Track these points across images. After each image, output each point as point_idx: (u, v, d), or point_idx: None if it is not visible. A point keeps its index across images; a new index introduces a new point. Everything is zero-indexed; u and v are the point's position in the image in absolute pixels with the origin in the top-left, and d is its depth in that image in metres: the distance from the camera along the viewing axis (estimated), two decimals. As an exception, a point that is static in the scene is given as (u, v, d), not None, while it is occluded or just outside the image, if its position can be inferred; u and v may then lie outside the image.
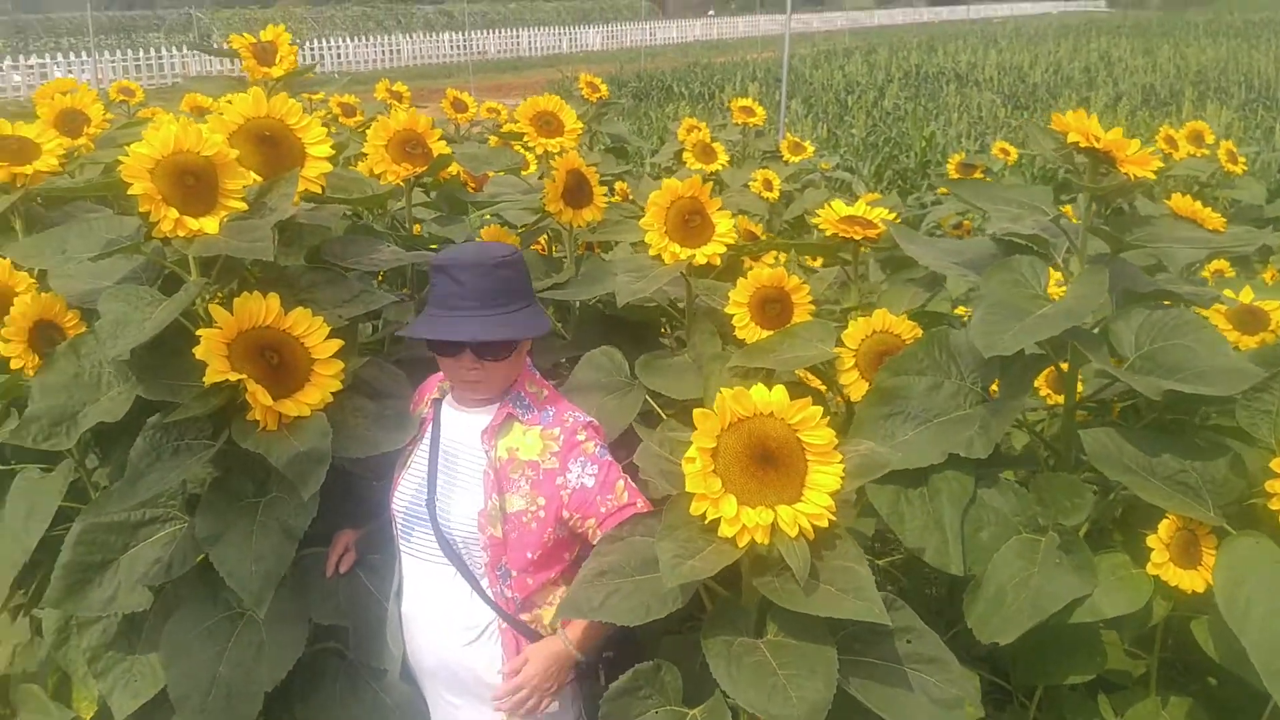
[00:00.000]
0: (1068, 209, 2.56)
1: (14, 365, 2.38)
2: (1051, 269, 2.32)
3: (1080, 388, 2.45)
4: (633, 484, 2.24)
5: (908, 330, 2.43)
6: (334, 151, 2.45)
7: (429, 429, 2.34)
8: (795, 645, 1.85)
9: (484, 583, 2.25)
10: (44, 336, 2.39)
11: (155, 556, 2.27)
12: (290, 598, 2.31)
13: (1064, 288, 2.29)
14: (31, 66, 24.36)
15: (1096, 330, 2.33)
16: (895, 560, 2.91)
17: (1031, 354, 2.29)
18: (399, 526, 2.34)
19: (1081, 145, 2.14)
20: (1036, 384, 2.76)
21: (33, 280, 2.51)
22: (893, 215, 2.69)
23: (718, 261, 2.57)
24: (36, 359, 2.37)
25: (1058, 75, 24.97)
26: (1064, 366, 2.35)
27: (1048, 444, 2.54)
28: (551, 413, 2.29)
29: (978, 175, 6.07)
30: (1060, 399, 2.58)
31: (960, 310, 3.14)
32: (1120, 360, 2.25)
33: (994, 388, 2.31)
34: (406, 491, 2.33)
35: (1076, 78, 24.48)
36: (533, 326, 2.24)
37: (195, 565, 2.28)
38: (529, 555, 2.23)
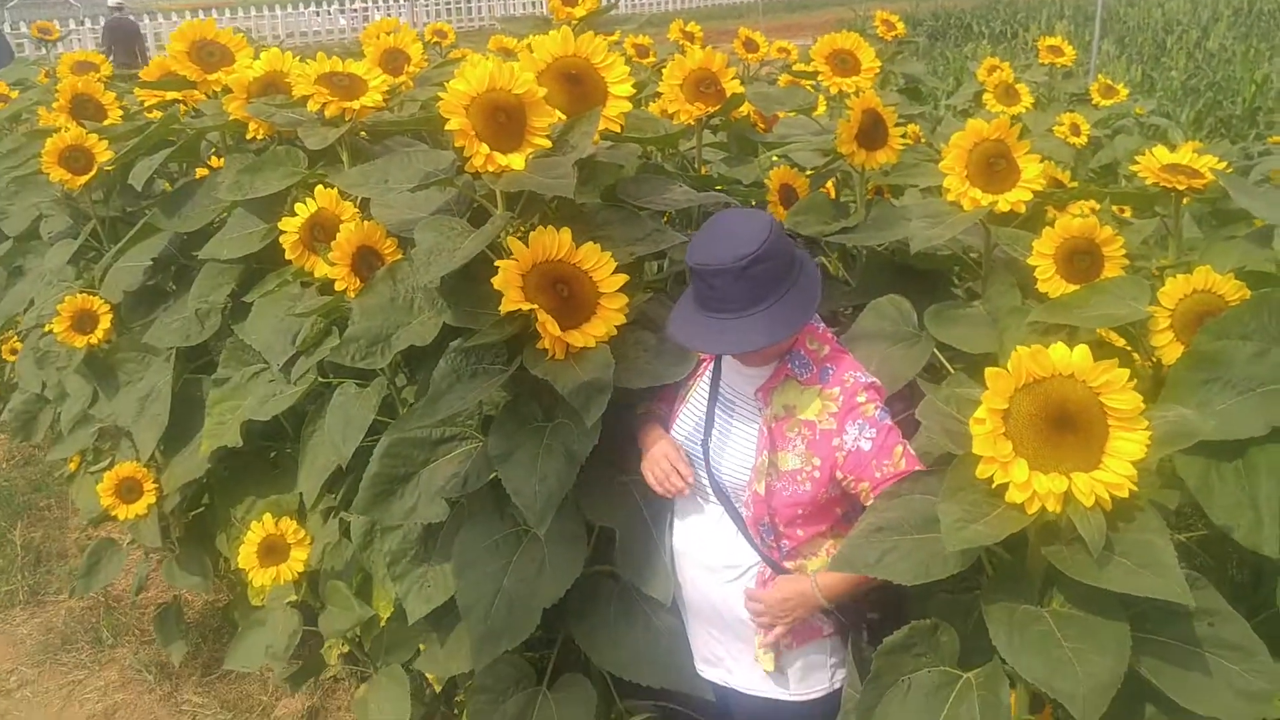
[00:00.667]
0: None
1: (338, 287, 2.58)
2: None
3: None
4: (910, 450, 2.16)
5: (1233, 291, 2.21)
6: (635, 91, 2.48)
7: (709, 369, 2.36)
8: (1083, 618, 1.77)
9: (749, 530, 2.26)
10: (364, 262, 2.57)
11: (452, 471, 2.42)
12: (571, 518, 2.41)
13: None
14: (355, 10, 26.25)
15: None
16: (1196, 536, 2.70)
17: (1378, 323, 2.04)
18: None
19: None
20: (1381, 357, 2.45)
21: (356, 209, 2.70)
22: (1223, 165, 2.44)
23: (1022, 209, 2.42)
24: (358, 282, 2.56)
25: None
26: None
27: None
28: (831, 372, 2.22)
29: (1320, 123, 5.47)
30: None
31: (1290, 272, 2.84)
32: None
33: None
34: (684, 427, 2.36)
35: None
36: (794, 321, 2.11)
37: (487, 483, 2.42)
38: (799, 512, 2.22)
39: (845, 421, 2.17)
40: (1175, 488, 2.17)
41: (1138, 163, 2.46)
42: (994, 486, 1.73)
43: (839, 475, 2.19)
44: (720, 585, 2.33)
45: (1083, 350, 1.69)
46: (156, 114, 3.68)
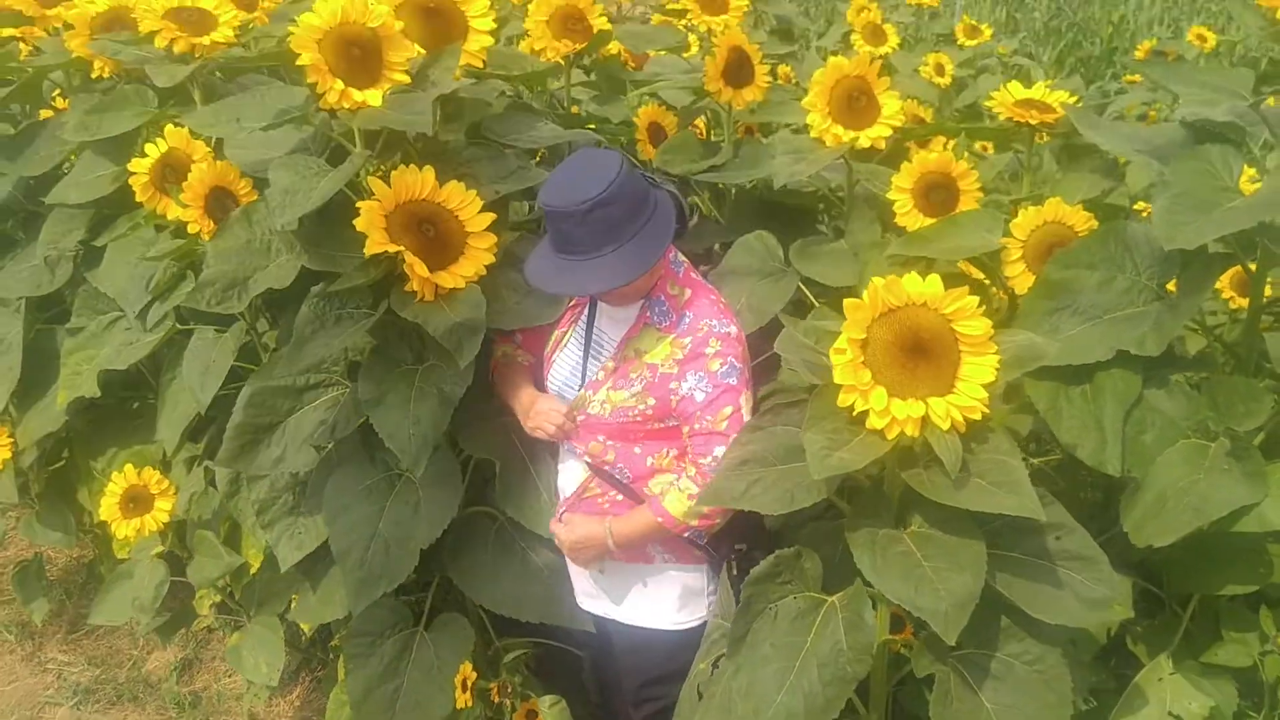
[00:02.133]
0: (1271, 101, 2.35)
1: (191, 229, 2.50)
2: (1247, 164, 2.16)
3: (1269, 291, 2.29)
4: (743, 414, 2.17)
5: (1082, 222, 2.30)
6: (496, 25, 2.43)
7: (583, 315, 2.36)
8: (941, 538, 1.83)
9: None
10: (219, 203, 2.49)
11: (320, 419, 2.38)
12: (445, 459, 2.40)
13: (1259, 183, 2.12)
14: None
15: (1292, 229, 2.16)
16: (1051, 461, 2.82)
17: (1215, 252, 2.15)
18: None
19: (1292, 22, 1.96)
20: (1219, 286, 2.59)
21: (209, 149, 2.61)
22: (1074, 99, 2.53)
23: (882, 145, 2.47)
24: (212, 225, 2.48)
25: (1270, -46, 22.86)
26: (1252, 267, 2.19)
27: (1227, 348, 2.40)
28: (689, 319, 2.22)
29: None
30: (1244, 302, 2.42)
31: (1140, 206, 2.96)
32: (1317, 260, 2.09)
33: (1171, 286, 2.18)
34: (559, 374, 2.37)
35: (1292, -43, 22.38)
36: (640, 263, 2.10)
37: (356, 429, 2.39)
38: (633, 437, 2.26)
39: (687, 369, 2.19)
40: (1028, 412, 2.26)
41: (993, 99, 2.53)
42: (855, 414, 1.77)
43: (671, 417, 2.23)
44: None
45: (934, 279, 1.74)
46: (-8, 52, 3.48)
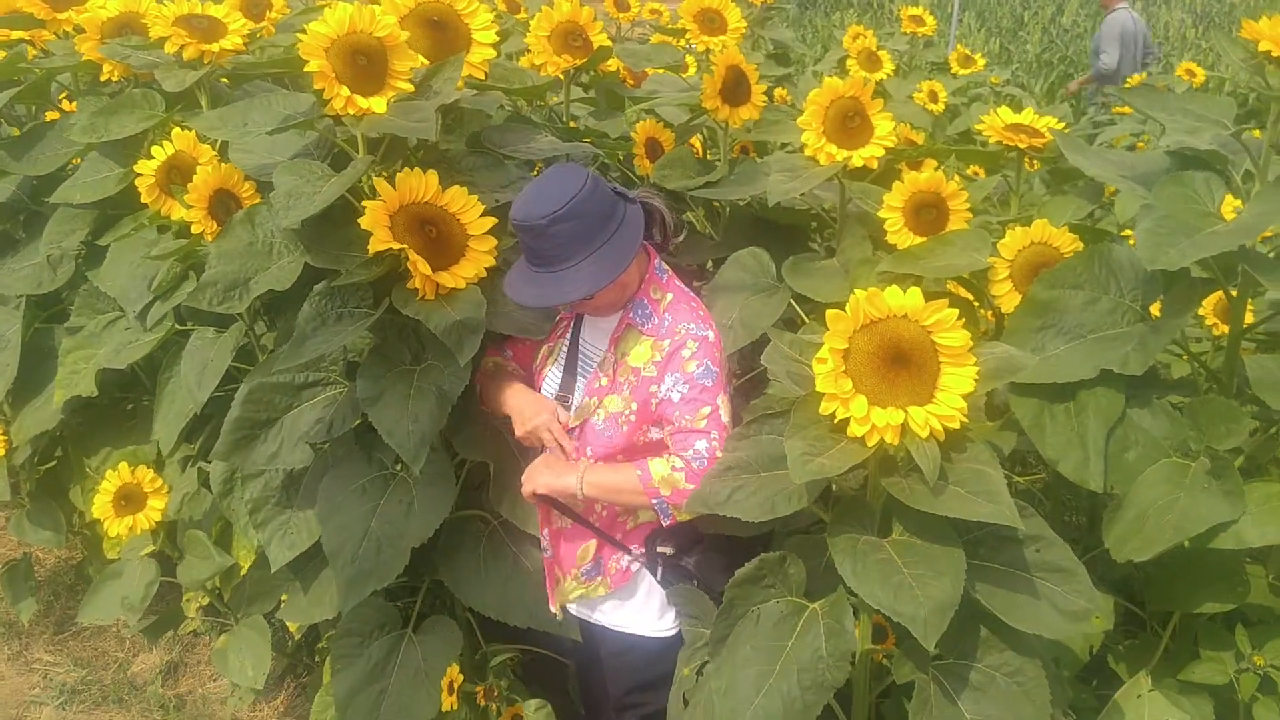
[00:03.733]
0: (1256, 133, 2.41)
1: (194, 230, 2.54)
2: (1230, 194, 2.21)
3: (1250, 318, 2.34)
4: (721, 417, 2.20)
5: (1068, 243, 2.35)
6: (499, 38, 2.49)
7: (570, 328, 2.41)
8: (921, 545, 1.86)
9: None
10: (222, 205, 2.53)
11: (317, 416, 2.41)
12: (440, 458, 2.43)
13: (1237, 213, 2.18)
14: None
15: (1273, 255, 2.21)
16: (1037, 482, 2.86)
17: (1198, 276, 2.20)
18: None
19: (1274, 55, 2.01)
20: (1201, 311, 2.64)
21: (214, 152, 2.65)
22: (1061, 125, 2.58)
23: (875, 165, 2.53)
24: (215, 226, 2.52)
25: (1260, -7, 23.10)
26: (1233, 292, 2.25)
27: (1209, 372, 2.45)
28: (669, 322, 2.27)
29: (1159, 96, 5.76)
30: (1226, 328, 2.47)
31: (1128, 234, 3.02)
32: (1296, 288, 2.14)
33: (1155, 309, 2.23)
34: (550, 386, 2.41)
35: (1282, -3, 22.63)
36: (600, 277, 2.13)
37: (351, 428, 2.42)
38: (617, 457, 2.29)
39: (665, 371, 2.23)
40: (1013, 429, 2.31)
41: (984, 122, 2.59)
42: (836, 422, 1.80)
43: (652, 420, 2.27)
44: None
45: (915, 292, 1.78)
46: (1, 54, 3.52)
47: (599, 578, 2.40)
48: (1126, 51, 8.08)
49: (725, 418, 2.21)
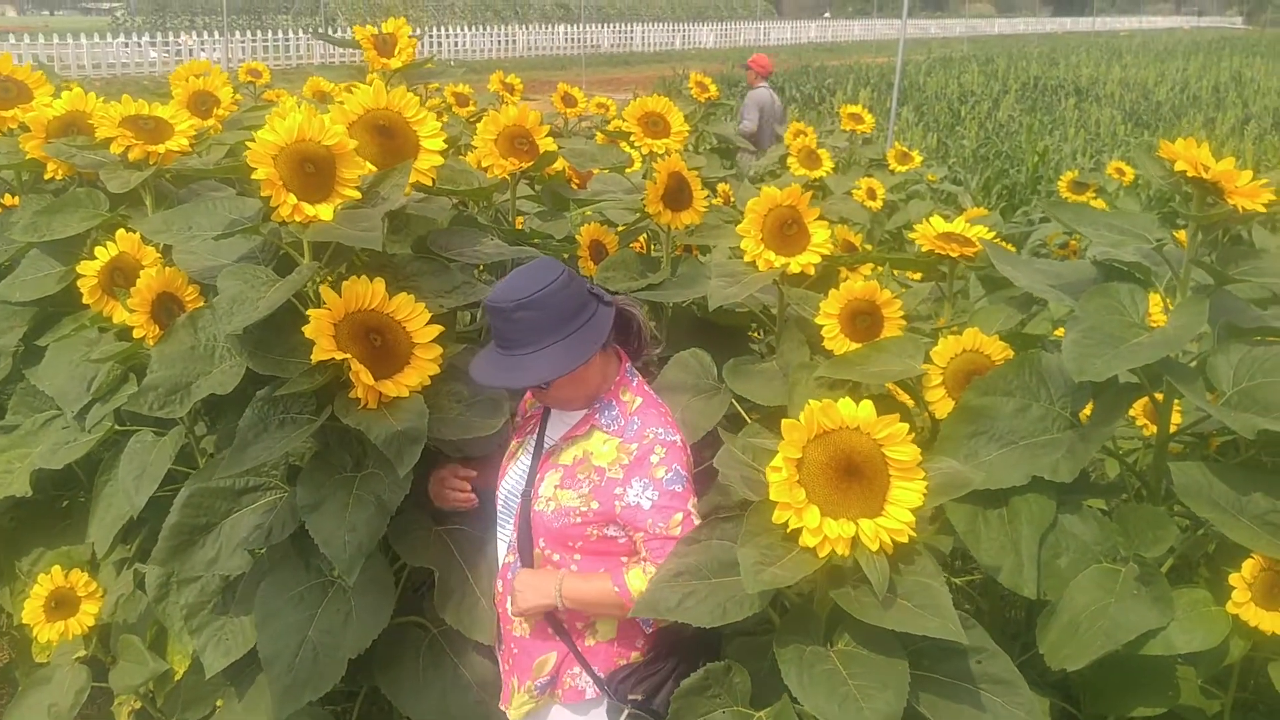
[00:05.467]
0: (1181, 234, 2.52)
1: (136, 334, 2.53)
2: (1153, 298, 2.30)
3: (1179, 419, 2.42)
4: (693, 518, 2.21)
5: (998, 351, 2.42)
6: (447, 145, 2.53)
7: (537, 425, 2.42)
8: (867, 656, 1.87)
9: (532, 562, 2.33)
10: (165, 309, 2.52)
11: (256, 522, 2.39)
12: (379, 566, 2.41)
13: (1165, 317, 2.26)
14: (168, 44, 25.38)
15: (1194, 364, 2.29)
16: (974, 580, 2.90)
17: (1125, 383, 2.27)
18: (499, 514, 2.42)
19: (1189, 174, 2.11)
20: (1132, 412, 2.72)
21: (158, 254, 2.65)
22: (991, 234, 2.67)
23: (811, 271, 2.59)
24: (157, 329, 2.51)
25: (1184, 94, 24.07)
26: (1159, 397, 2.32)
27: (1138, 475, 2.51)
28: (637, 426, 2.28)
29: (1090, 194, 5.96)
30: (1155, 429, 2.54)
31: (1059, 332, 3.10)
32: (1217, 395, 2.22)
33: (1084, 414, 2.29)
34: (510, 481, 2.40)
35: (1204, 97, 23.60)
36: (558, 367, 2.16)
37: (289, 535, 2.40)
38: (570, 544, 2.28)
39: (632, 476, 2.23)
40: (949, 533, 2.34)
41: (916, 231, 2.67)
42: (789, 531, 1.83)
43: (617, 522, 2.25)
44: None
45: (867, 405, 1.82)
46: (-56, 149, 3.51)
47: (552, 691, 2.35)
48: (765, 121, 9.46)
49: (696, 521, 2.21)
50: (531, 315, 2.15)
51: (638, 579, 2.19)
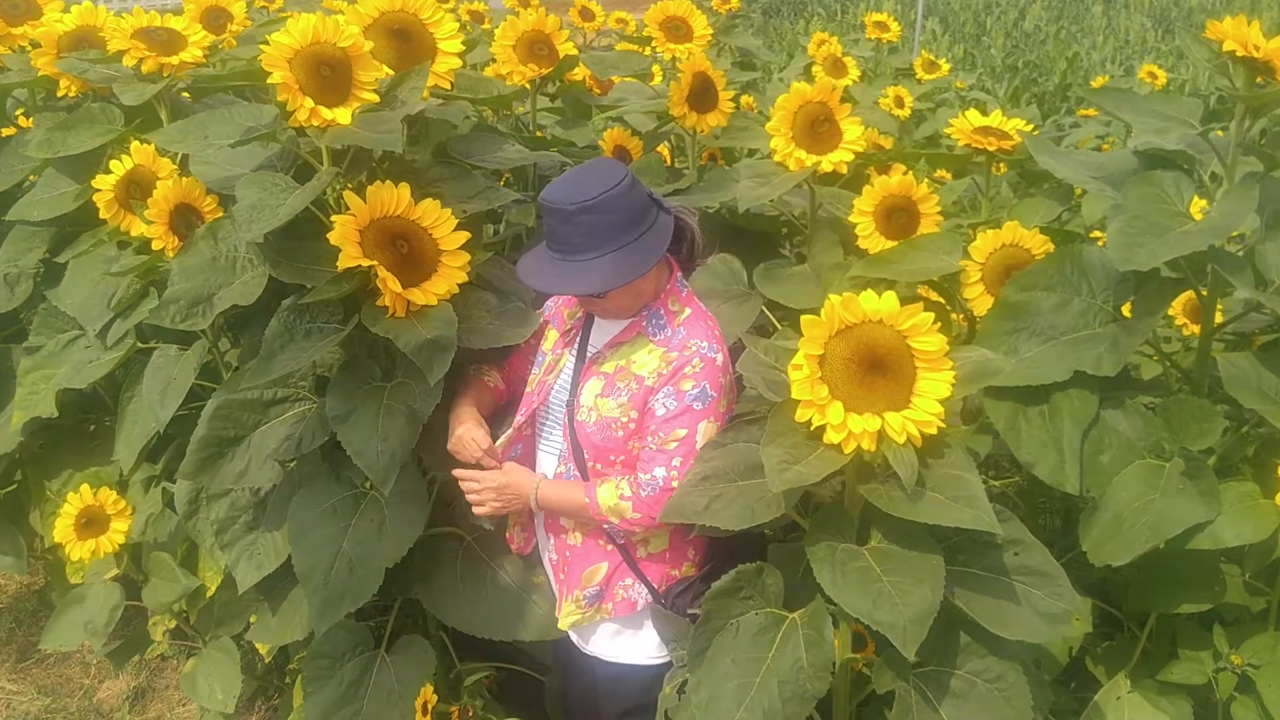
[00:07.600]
0: (1220, 132, 2.42)
1: (155, 246, 2.49)
2: (1197, 194, 2.22)
3: (1220, 317, 2.35)
4: (695, 442, 2.15)
5: (1039, 245, 2.35)
6: (464, 47, 2.46)
7: (579, 334, 2.37)
8: (900, 553, 1.85)
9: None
10: (183, 220, 2.49)
11: (286, 433, 2.36)
12: (411, 477, 2.38)
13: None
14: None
15: (1241, 253, 2.22)
16: (1011, 485, 2.86)
17: (1168, 277, 2.20)
18: (543, 425, 2.39)
19: (1239, 54, 2.01)
20: (1172, 312, 2.65)
21: (174, 165, 2.61)
22: (1029, 127, 2.59)
23: (844, 170, 2.51)
24: (176, 241, 2.47)
25: (1218, -3, 23.41)
26: (1203, 291, 2.25)
27: (1181, 372, 2.45)
28: (681, 336, 2.22)
29: (1122, 98, 5.80)
30: (1197, 329, 2.48)
31: (1095, 234, 3.03)
32: (1265, 286, 2.15)
33: (1126, 309, 2.23)
34: (555, 392, 2.36)
35: (1239, 0, 22.95)
36: (620, 275, 2.10)
37: (318, 447, 2.38)
38: (611, 457, 2.25)
39: (665, 385, 2.18)
40: (988, 433, 2.30)
41: (952, 125, 2.58)
42: (813, 429, 1.79)
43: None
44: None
45: (890, 296, 1.77)
46: (-46, 70, 3.46)
47: (601, 604, 2.34)
48: None
49: (700, 444, 2.16)
50: (594, 219, 2.08)
51: (608, 493, 2.19)
